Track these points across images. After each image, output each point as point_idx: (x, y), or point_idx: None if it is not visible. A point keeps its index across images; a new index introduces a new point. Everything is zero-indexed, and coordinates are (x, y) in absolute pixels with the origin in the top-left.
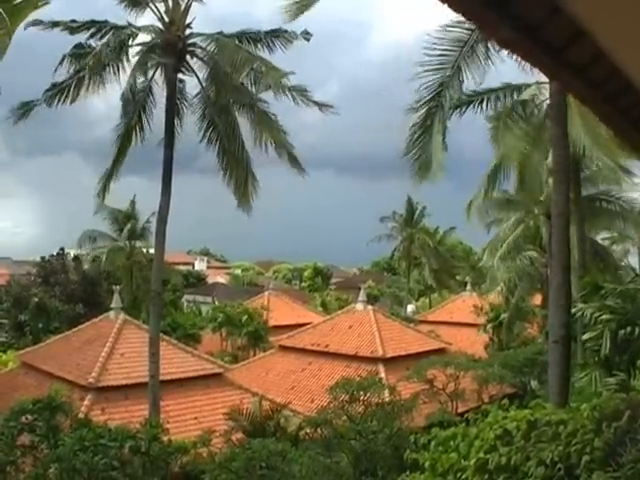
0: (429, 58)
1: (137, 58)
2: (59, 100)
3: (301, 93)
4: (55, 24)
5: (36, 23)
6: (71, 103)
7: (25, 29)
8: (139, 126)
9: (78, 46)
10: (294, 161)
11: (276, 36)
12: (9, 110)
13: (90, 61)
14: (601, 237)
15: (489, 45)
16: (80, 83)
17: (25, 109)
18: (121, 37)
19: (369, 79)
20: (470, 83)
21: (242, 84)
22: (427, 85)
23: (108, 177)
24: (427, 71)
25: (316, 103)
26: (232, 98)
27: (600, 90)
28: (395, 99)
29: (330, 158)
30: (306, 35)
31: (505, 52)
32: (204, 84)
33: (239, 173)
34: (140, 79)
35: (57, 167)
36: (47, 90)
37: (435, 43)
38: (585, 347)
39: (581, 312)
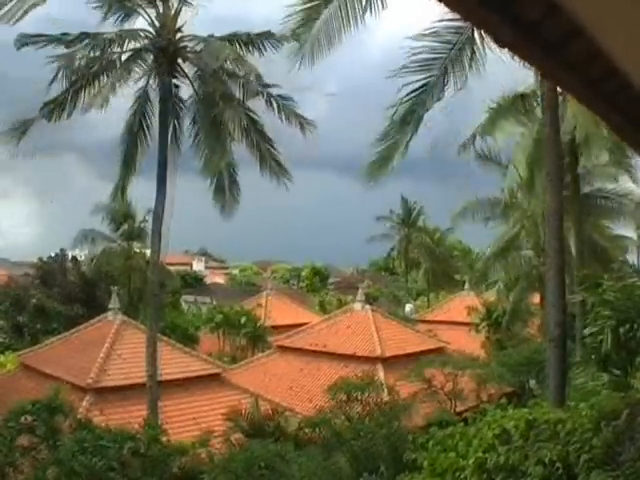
0: (416, 57)
1: (130, 62)
2: (58, 116)
3: (286, 106)
4: (50, 40)
5: (31, 41)
6: (68, 117)
7: (18, 49)
8: (142, 132)
9: (70, 57)
10: (280, 171)
11: (267, 37)
12: (9, 130)
13: (101, 62)
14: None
15: (475, 49)
16: (76, 96)
17: (23, 128)
18: (120, 42)
19: (368, 79)
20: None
21: (230, 87)
22: (412, 82)
23: (123, 183)
24: (413, 70)
25: (299, 119)
26: (221, 99)
27: (598, 88)
28: (394, 100)
29: (329, 158)
30: (297, 36)
31: (490, 57)
32: (195, 85)
33: (223, 175)
34: (135, 84)
35: (56, 168)
36: (44, 106)
37: (424, 41)
38: (584, 344)
39: (581, 300)
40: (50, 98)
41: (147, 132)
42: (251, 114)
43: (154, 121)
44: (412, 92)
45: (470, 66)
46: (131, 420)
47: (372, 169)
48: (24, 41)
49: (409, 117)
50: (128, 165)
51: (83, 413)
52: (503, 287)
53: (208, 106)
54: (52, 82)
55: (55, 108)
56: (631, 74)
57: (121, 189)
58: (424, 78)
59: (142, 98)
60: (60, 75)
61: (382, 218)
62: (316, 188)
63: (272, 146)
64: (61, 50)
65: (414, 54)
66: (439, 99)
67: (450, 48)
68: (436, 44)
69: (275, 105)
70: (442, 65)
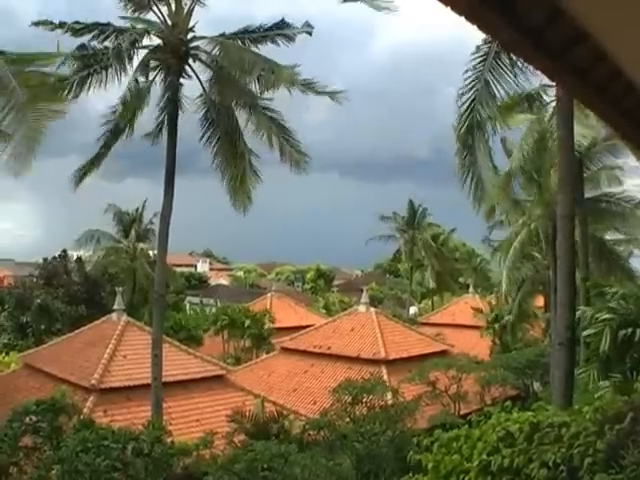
0: (463, 76)
1: (140, 60)
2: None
3: (309, 86)
4: (59, 25)
5: (40, 23)
6: (74, 98)
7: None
8: (130, 126)
9: (81, 47)
10: (300, 158)
11: (278, 32)
12: None
13: (110, 54)
14: (604, 238)
15: (512, 55)
16: (83, 81)
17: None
18: (131, 38)
19: (372, 82)
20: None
21: (246, 85)
22: (463, 102)
23: (87, 168)
24: (463, 90)
25: (326, 92)
26: (235, 99)
27: (603, 92)
28: (398, 102)
29: (334, 160)
30: (308, 28)
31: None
32: (206, 86)
33: (239, 173)
34: (141, 79)
35: (60, 169)
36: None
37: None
38: (588, 346)
39: (583, 314)
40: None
41: (133, 128)
42: (268, 109)
43: (145, 116)
44: (463, 113)
45: (512, 71)
46: (135, 421)
47: (479, 198)
48: (34, 22)
49: (469, 139)
50: (103, 152)
51: (87, 413)
52: (508, 290)
53: (223, 110)
54: (58, 67)
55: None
56: (636, 78)
57: (81, 176)
58: (471, 96)
59: (143, 93)
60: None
61: (386, 218)
62: (321, 190)
63: (290, 135)
64: (68, 37)
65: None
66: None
67: (485, 58)
68: (476, 60)
69: (299, 88)
70: (481, 77)
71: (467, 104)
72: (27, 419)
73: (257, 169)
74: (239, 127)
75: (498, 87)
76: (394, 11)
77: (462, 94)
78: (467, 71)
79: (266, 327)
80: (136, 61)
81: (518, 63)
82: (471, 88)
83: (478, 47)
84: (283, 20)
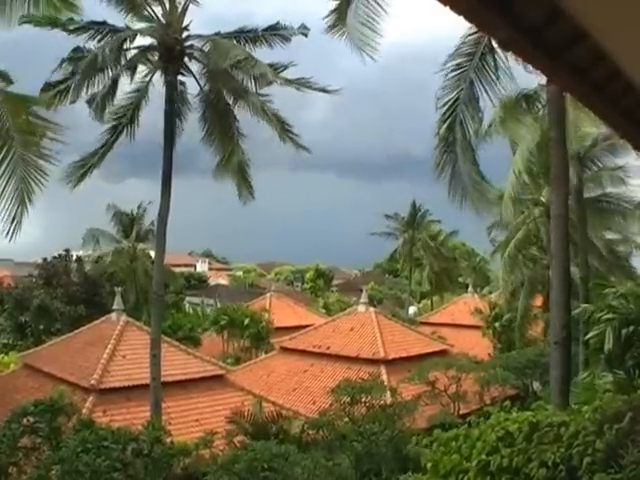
0: (445, 75)
1: (129, 59)
2: (58, 101)
3: (303, 83)
4: (53, 23)
5: (33, 20)
6: (71, 103)
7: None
8: (129, 126)
9: (76, 50)
10: (296, 142)
11: (274, 33)
12: None
13: (84, 65)
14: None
15: (496, 57)
16: (79, 85)
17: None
18: (119, 40)
19: (370, 81)
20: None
21: (238, 77)
22: (444, 102)
23: (88, 167)
24: (443, 89)
25: (320, 89)
26: (226, 89)
27: (602, 92)
28: (396, 101)
29: (332, 160)
30: (304, 30)
31: (513, 63)
32: (201, 83)
33: (226, 153)
34: (128, 79)
35: (59, 169)
36: (42, 90)
37: (450, 58)
38: (588, 347)
39: (582, 311)
40: (52, 80)
41: (135, 125)
42: (265, 103)
43: (146, 116)
44: (445, 112)
45: (495, 73)
46: (134, 421)
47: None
48: (26, 20)
49: (450, 136)
50: (104, 151)
51: (86, 414)
52: (508, 290)
53: (218, 105)
54: (54, 71)
55: (56, 94)
56: (634, 77)
57: (81, 175)
58: (454, 95)
59: (141, 93)
60: (64, 65)
61: (390, 217)
62: (319, 190)
63: (288, 124)
64: (62, 35)
65: (445, 74)
66: (479, 112)
67: (470, 59)
68: (460, 59)
69: (291, 85)
70: (467, 77)
71: (450, 102)
72: (25, 420)
73: (246, 153)
74: (234, 121)
75: (482, 89)
76: (372, 55)
77: (444, 93)
78: (445, 72)
79: (263, 325)
80: (132, 62)
81: (500, 65)
82: (454, 86)
83: (460, 45)
84: (278, 22)
